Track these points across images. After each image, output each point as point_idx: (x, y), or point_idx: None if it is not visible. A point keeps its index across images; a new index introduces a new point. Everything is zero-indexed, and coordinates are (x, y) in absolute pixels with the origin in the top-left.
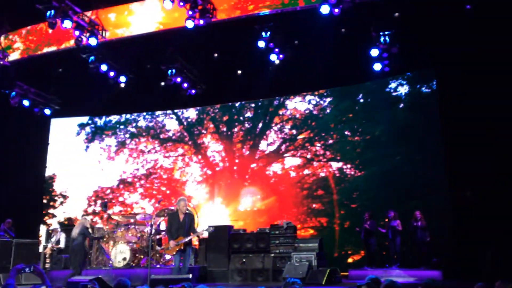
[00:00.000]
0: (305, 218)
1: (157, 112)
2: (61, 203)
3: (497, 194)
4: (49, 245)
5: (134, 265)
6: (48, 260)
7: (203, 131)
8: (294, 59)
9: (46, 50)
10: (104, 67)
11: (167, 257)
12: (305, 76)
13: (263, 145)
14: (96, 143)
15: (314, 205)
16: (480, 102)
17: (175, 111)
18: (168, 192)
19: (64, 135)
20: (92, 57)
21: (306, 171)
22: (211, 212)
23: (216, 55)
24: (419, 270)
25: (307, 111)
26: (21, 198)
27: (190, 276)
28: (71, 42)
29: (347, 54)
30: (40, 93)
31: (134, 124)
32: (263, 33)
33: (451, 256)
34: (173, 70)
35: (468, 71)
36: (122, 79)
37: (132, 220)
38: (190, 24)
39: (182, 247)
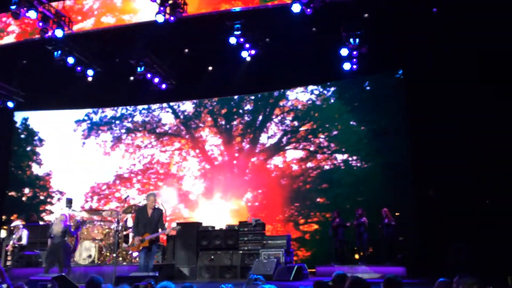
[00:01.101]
0: (308, 212)
1: (153, 106)
2: (58, 199)
3: (461, 191)
4: (11, 242)
5: (100, 262)
6: (9, 258)
7: (201, 125)
8: (266, 56)
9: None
10: (71, 60)
11: (134, 254)
12: (276, 73)
13: (263, 138)
14: (92, 139)
15: (318, 199)
16: (448, 101)
17: (171, 104)
18: (165, 186)
19: (61, 131)
20: (58, 50)
21: (309, 164)
22: (210, 208)
23: (186, 50)
24: (384, 267)
25: (309, 102)
26: None
27: (157, 273)
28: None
29: (317, 53)
30: (3, 86)
31: (130, 119)
32: (235, 30)
33: (416, 252)
34: (143, 65)
35: (435, 71)
36: (90, 72)
37: (97, 217)
38: (160, 19)
39: (147, 245)
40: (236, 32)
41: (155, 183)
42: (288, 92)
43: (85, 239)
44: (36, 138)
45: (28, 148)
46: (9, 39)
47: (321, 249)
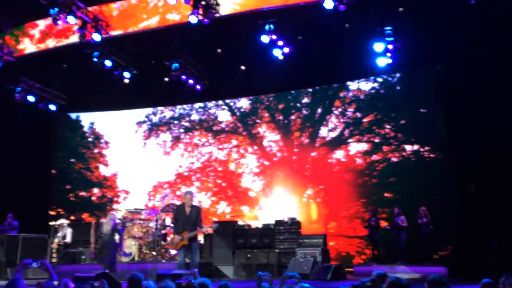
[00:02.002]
0: (376, 208)
1: (209, 104)
2: (124, 198)
3: (504, 188)
4: (56, 240)
5: (140, 260)
6: (54, 255)
7: (258, 121)
8: (299, 54)
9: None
10: (108, 63)
11: (173, 252)
12: (310, 71)
13: (323, 132)
14: (153, 139)
15: (386, 194)
16: (485, 96)
17: (227, 101)
18: (224, 184)
19: (124, 133)
20: (96, 53)
21: (374, 157)
22: (270, 204)
23: (219, 50)
24: (424, 267)
25: (372, 91)
26: (29, 195)
27: (196, 270)
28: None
29: (351, 49)
30: (45, 89)
31: (187, 118)
32: (267, 28)
33: (457, 252)
34: (177, 66)
35: (472, 66)
36: (126, 74)
37: (138, 216)
38: (193, 20)
39: (186, 242)
40: (268, 31)
41: (214, 180)
42: (349, 82)
43: (126, 237)
44: (102, 141)
45: (96, 151)
46: (51, 43)
47: (390, 248)
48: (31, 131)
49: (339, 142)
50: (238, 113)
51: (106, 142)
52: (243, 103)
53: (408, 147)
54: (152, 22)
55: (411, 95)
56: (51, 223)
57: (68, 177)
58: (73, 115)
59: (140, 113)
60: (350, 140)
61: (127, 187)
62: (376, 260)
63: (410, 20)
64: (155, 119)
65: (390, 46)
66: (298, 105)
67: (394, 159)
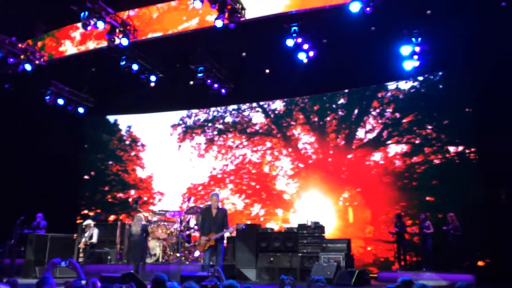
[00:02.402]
0: (417, 213)
1: (243, 106)
2: (159, 200)
3: None
4: (83, 240)
5: (164, 261)
6: (81, 255)
7: (292, 123)
8: (324, 58)
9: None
10: (135, 67)
11: (196, 253)
12: (334, 74)
13: (360, 133)
14: (187, 142)
15: (427, 198)
16: None
17: (261, 103)
18: (258, 187)
19: (159, 136)
20: (123, 57)
21: (415, 159)
22: (305, 207)
23: (244, 54)
24: (451, 274)
25: (412, 90)
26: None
27: (220, 269)
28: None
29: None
30: (73, 92)
31: (221, 121)
32: (292, 32)
33: (484, 259)
34: (202, 69)
35: (501, 70)
36: (153, 78)
37: (162, 217)
38: (219, 24)
39: (213, 243)
40: (293, 34)
41: (248, 183)
42: (388, 82)
43: (150, 238)
44: (139, 143)
45: (133, 153)
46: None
47: (445, 254)
48: (62, 133)
49: (377, 143)
50: (272, 115)
51: (143, 145)
52: (277, 105)
53: (451, 149)
54: (192, 23)
55: (455, 94)
56: (85, 222)
57: (106, 179)
58: (111, 119)
59: (175, 116)
60: (388, 142)
61: (162, 189)
62: (402, 266)
63: (443, 21)
64: (189, 121)
65: (417, 49)
66: (334, 106)
67: (437, 161)
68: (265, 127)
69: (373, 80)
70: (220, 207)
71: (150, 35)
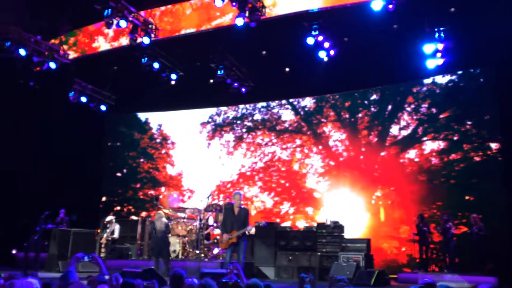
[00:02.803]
0: (455, 212)
1: (272, 104)
2: (189, 197)
3: None
4: (104, 235)
5: (183, 258)
6: (103, 250)
7: (323, 120)
8: (344, 56)
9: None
10: (156, 65)
11: (215, 251)
12: (355, 73)
13: (394, 130)
14: (216, 140)
15: (466, 197)
16: None
17: (291, 100)
18: (287, 185)
19: (189, 134)
20: (145, 56)
21: (453, 156)
22: (336, 206)
23: (264, 52)
24: (473, 276)
25: (450, 84)
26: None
27: (239, 265)
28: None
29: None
30: (96, 90)
31: (250, 118)
32: (312, 30)
33: (508, 261)
34: (222, 68)
35: None
36: (173, 76)
37: (181, 214)
38: (240, 22)
39: (235, 241)
40: (313, 33)
41: (277, 180)
42: (424, 79)
43: (170, 235)
44: (169, 141)
45: (163, 151)
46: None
47: (467, 256)
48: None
49: (412, 140)
50: (302, 112)
51: (173, 143)
52: (307, 102)
53: (493, 145)
54: (226, 19)
55: (497, 88)
56: (107, 218)
57: (138, 176)
58: (142, 118)
59: (205, 114)
60: (424, 138)
61: (192, 186)
62: (422, 267)
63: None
64: (218, 119)
65: (440, 46)
66: (366, 102)
67: (477, 158)
68: (295, 124)
69: (407, 77)
70: (242, 206)
71: (183, 31)
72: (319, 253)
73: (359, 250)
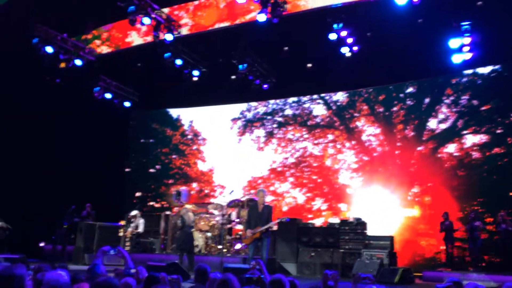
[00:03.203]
0: (499, 209)
1: (303, 99)
2: (220, 193)
3: None
4: (129, 229)
5: (206, 253)
6: (127, 244)
7: (356, 114)
8: (367, 51)
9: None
10: (179, 62)
11: (237, 246)
12: (378, 68)
13: (432, 123)
14: (247, 135)
15: (511, 193)
16: None
17: (322, 95)
18: (319, 180)
19: (219, 130)
20: (168, 53)
21: (496, 150)
22: (370, 202)
23: (286, 48)
24: (501, 275)
25: (493, 74)
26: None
27: (261, 261)
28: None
29: (424, 45)
30: (120, 86)
31: (280, 114)
32: (335, 26)
33: None
34: (244, 64)
35: None
36: (196, 73)
37: (204, 210)
38: (261, 18)
39: (258, 236)
40: (336, 28)
41: (309, 176)
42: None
43: (193, 230)
44: (200, 137)
45: (194, 147)
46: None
47: (496, 254)
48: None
49: (451, 134)
50: (334, 107)
51: (203, 139)
52: (339, 96)
53: None
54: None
55: None
56: (132, 212)
57: (170, 172)
58: (174, 114)
59: (235, 110)
60: (464, 132)
61: (223, 182)
62: (448, 265)
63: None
64: (249, 115)
65: (467, 41)
66: (402, 95)
67: None
68: (327, 119)
69: (443, 69)
70: (265, 203)
71: (216, 26)
72: (341, 250)
73: (383, 248)
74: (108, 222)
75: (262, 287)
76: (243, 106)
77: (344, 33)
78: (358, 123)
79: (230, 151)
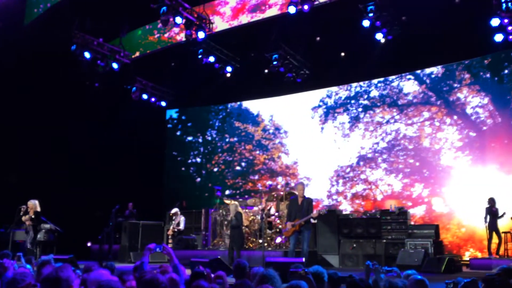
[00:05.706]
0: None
1: (391, 77)
2: (307, 185)
3: None
4: (171, 227)
5: (246, 247)
6: (170, 241)
7: (456, 85)
8: (402, 36)
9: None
10: (211, 59)
11: (278, 240)
12: (416, 53)
13: None
14: (330, 123)
15: None
16: None
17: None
18: (417, 164)
19: (300, 121)
20: (200, 50)
21: None
22: (482, 184)
23: (318, 38)
24: None
25: None
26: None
27: (303, 259)
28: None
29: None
30: (156, 87)
31: (365, 96)
32: (368, 12)
33: None
34: (276, 57)
35: None
36: (228, 69)
37: (243, 204)
38: (292, 10)
39: (298, 229)
40: (369, 14)
41: (405, 160)
42: None
43: None
44: (282, 131)
45: (277, 141)
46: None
47: None
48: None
49: None
50: (428, 81)
51: (285, 132)
52: (433, 68)
53: None
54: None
55: None
56: (172, 210)
57: (255, 168)
58: (255, 111)
59: (315, 98)
60: None
61: (309, 174)
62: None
63: None
64: (330, 102)
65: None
66: None
67: None
68: (420, 95)
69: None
70: (305, 196)
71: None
72: (384, 240)
73: (427, 237)
74: (149, 221)
75: (307, 282)
76: (323, 92)
77: (376, 21)
78: (460, 95)
79: (314, 141)
